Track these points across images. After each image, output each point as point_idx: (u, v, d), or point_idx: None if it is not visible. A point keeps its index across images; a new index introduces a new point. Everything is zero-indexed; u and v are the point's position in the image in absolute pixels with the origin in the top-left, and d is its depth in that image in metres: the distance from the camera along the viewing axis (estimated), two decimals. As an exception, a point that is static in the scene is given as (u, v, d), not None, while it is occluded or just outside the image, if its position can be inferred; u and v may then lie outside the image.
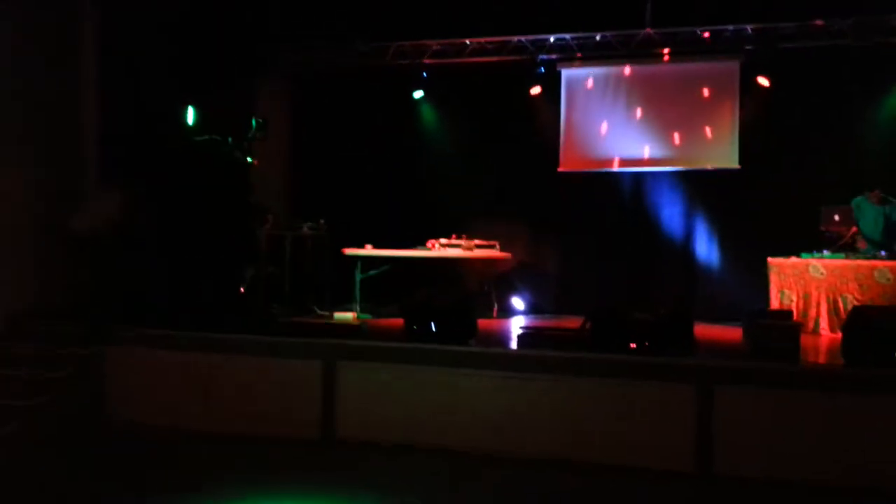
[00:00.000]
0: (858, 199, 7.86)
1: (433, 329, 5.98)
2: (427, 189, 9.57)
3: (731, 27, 8.51)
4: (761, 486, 5.01)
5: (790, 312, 6.27)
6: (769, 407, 5.14)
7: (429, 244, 8.51)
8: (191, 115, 7.45)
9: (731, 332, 7.17)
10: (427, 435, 5.59)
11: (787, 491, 4.94)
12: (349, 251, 8.50)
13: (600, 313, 6.14)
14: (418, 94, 9.59)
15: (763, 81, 8.63)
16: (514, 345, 6.32)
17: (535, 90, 9.26)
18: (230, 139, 7.53)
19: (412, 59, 9.37)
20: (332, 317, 7.29)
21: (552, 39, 8.99)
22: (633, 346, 5.74)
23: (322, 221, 8.63)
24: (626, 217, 9.19)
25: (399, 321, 6.31)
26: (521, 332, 6.56)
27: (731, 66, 8.85)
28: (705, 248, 9.06)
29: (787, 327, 5.75)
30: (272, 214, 8.42)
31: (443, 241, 8.54)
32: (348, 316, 7.21)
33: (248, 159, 7.66)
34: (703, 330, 6.44)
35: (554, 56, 9.18)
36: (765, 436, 5.11)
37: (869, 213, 7.80)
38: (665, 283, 8.90)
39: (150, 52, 7.24)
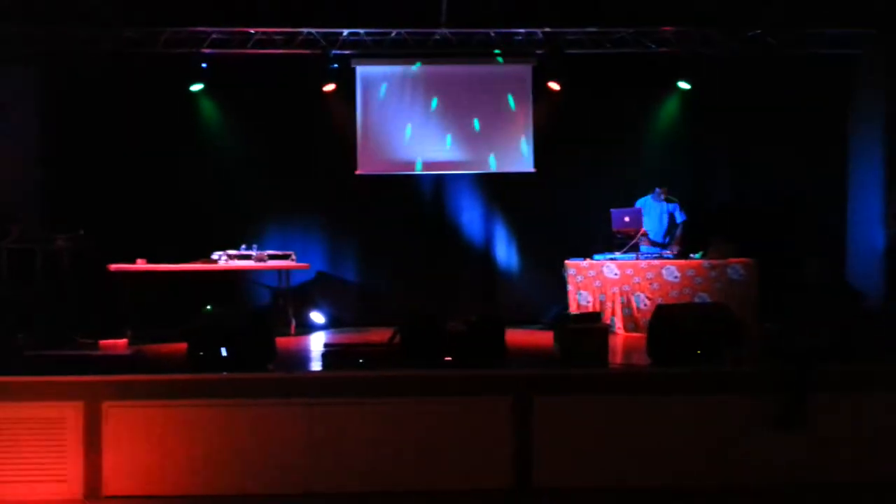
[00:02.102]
0: (643, 199, 8.23)
1: (223, 354, 5.17)
2: (211, 194, 8.59)
3: (522, 31, 8.53)
4: (581, 496, 4.86)
5: (599, 315, 6.30)
6: (586, 413, 5.01)
7: (215, 256, 7.59)
8: None
9: (539, 337, 7.11)
10: (223, 482, 4.78)
11: (607, 498, 4.83)
12: (117, 267, 7.33)
13: (409, 325, 5.73)
14: (197, 87, 8.58)
15: (554, 86, 8.78)
16: (318, 365, 5.69)
17: (329, 87, 8.67)
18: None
19: (189, 47, 8.35)
20: (97, 346, 6.17)
21: (345, 34, 8.45)
22: (448, 358, 5.37)
23: (82, 232, 7.37)
24: (427, 222, 8.93)
25: (182, 347, 5.41)
26: (324, 350, 5.96)
27: (524, 70, 8.91)
28: (506, 252, 9.05)
29: (596, 330, 5.70)
30: (17, 224, 7.03)
31: (231, 252, 7.67)
32: (118, 344, 6.14)
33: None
34: (510, 336, 6.25)
35: (347, 52, 8.64)
36: (583, 443, 4.97)
37: (654, 211, 8.19)
38: (469, 288, 8.77)
39: None
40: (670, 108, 8.94)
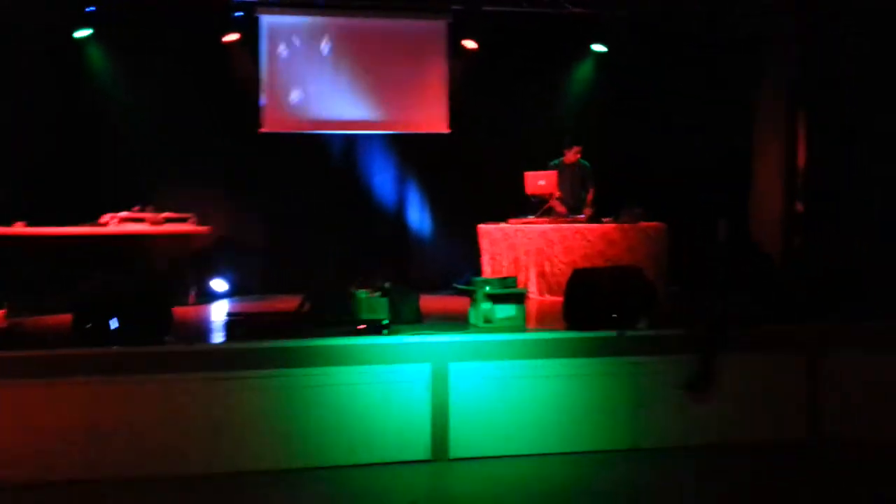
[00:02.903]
0: (555, 161, 8.14)
1: (114, 326, 4.73)
2: (100, 151, 7.93)
3: (438, -16, 8.24)
4: (499, 465, 4.77)
5: (514, 279, 6.17)
6: (504, 379, 4.92)
7: (104, 219, 7.01)
8: None
9: (453, 302, 6.95)
10: (116, 465, 4.41)
11: (525, 465, 4.76)
12: (-8, 230, 6.66)
13: (319, 291, 5.46)
14: (83, 33, 7.83)
15: (470, 44, 8.53)
16: (220, 336, 5.33)
17: (231, 37, 8.09)
18: None
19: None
20: (-32, 318, 5.57)
21: (249, -21, 7.90)
22: (361, 326, 5.14)
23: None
24: (337, 184, 8.55)
25: (67, 319, 4.92)
26: (227, 319, 5.63)
27: (439, 26, 8.61)
28: (418, 216, 8.82)
29: (514, 295, 5.59)
30: None
31: (122, 214, 7.10)
32: (-7, 315, 5.55)
33: None
34: (424, 302, 6.09)
35: (251, -1, 8.10)
36: (501, 410, 4.88)
37: (565, 174, 8.12)
38: (380, 253, 8.48)
39: None
40: (586, 70, 8.88)
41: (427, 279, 8.06)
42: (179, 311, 5.67)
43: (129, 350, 4.55)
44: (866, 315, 5.53)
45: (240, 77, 8.31)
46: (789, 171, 8.58)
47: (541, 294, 7.49)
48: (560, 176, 8.05)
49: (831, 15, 7.68)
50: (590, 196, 8.06)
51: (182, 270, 7.37)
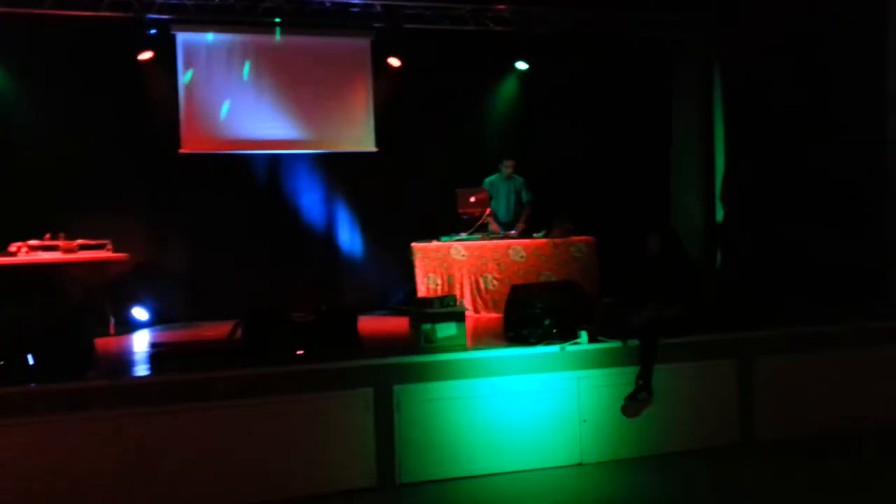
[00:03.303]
0: (491, 177, 8.14)
1: (30, 362, 4.38)
2: (6, 177, 7.40)
3: (359, 2, 8.11)
4: (446, 489, 4.68)
5: (453, 297, 6.09)
6: (449, 400, 4.85)
7: (13, 248, 6.55)
8: None
9: (390, 323, 6.82)
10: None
11: (473, 487, 4.67)
12: None
13: (252, 317, 5.22)
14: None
15: (394, 61, 8.47)
16: (146, 368, 5.02)
17: (145, 55, 7.75)
18: None
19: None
20: None
21: (162, -5, 7.58)
22: (300, 352, 4.94)
23: None
24: (263, 205, 8.25)
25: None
26: (151, 350, 5.32)
27: (363, 44, 8.50)
28: (349, 236, 8.63)
29: (453, 314, 5.50)
30: None
31: (32, 242, 6.65)
32: None
33: None
34: (360, 323, 5.92)
35: (166, 16, 7.75)
36: (447, 432, 4.80)
37: (501, 191, 8.13)
38: (310, 276, 8.27)
39: None
40: (510, 86, 8.95)
41: (362, 299, 7.91)
42: (99, 342, 5.32)
43: (49, 388, 4.22)
44: (793, 320, 5.76)
45: (157, 96, 7.94)
46: (706, 179, 8.91)
47: (476, 311, 7.45)
48: (495, 192, 8.05)
49: (744, 20, 8.02)
50: (528, 210, 8.08)
51: (99, 299, 6.95)
